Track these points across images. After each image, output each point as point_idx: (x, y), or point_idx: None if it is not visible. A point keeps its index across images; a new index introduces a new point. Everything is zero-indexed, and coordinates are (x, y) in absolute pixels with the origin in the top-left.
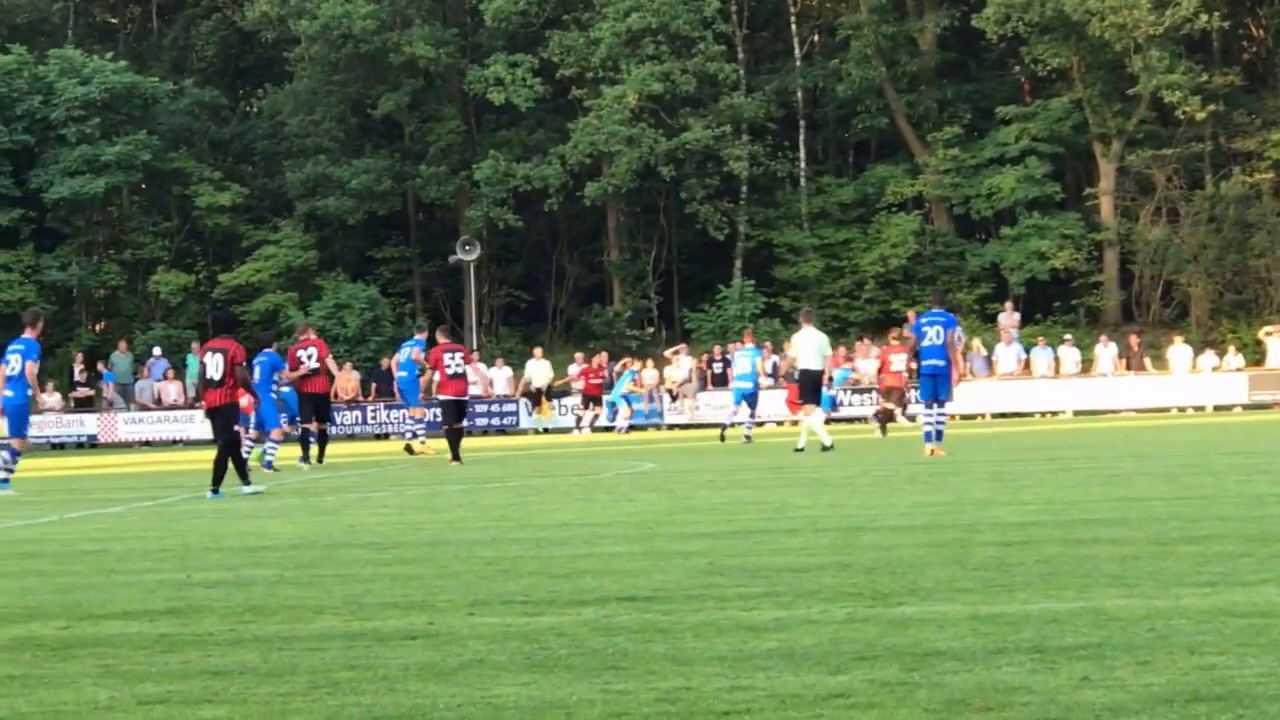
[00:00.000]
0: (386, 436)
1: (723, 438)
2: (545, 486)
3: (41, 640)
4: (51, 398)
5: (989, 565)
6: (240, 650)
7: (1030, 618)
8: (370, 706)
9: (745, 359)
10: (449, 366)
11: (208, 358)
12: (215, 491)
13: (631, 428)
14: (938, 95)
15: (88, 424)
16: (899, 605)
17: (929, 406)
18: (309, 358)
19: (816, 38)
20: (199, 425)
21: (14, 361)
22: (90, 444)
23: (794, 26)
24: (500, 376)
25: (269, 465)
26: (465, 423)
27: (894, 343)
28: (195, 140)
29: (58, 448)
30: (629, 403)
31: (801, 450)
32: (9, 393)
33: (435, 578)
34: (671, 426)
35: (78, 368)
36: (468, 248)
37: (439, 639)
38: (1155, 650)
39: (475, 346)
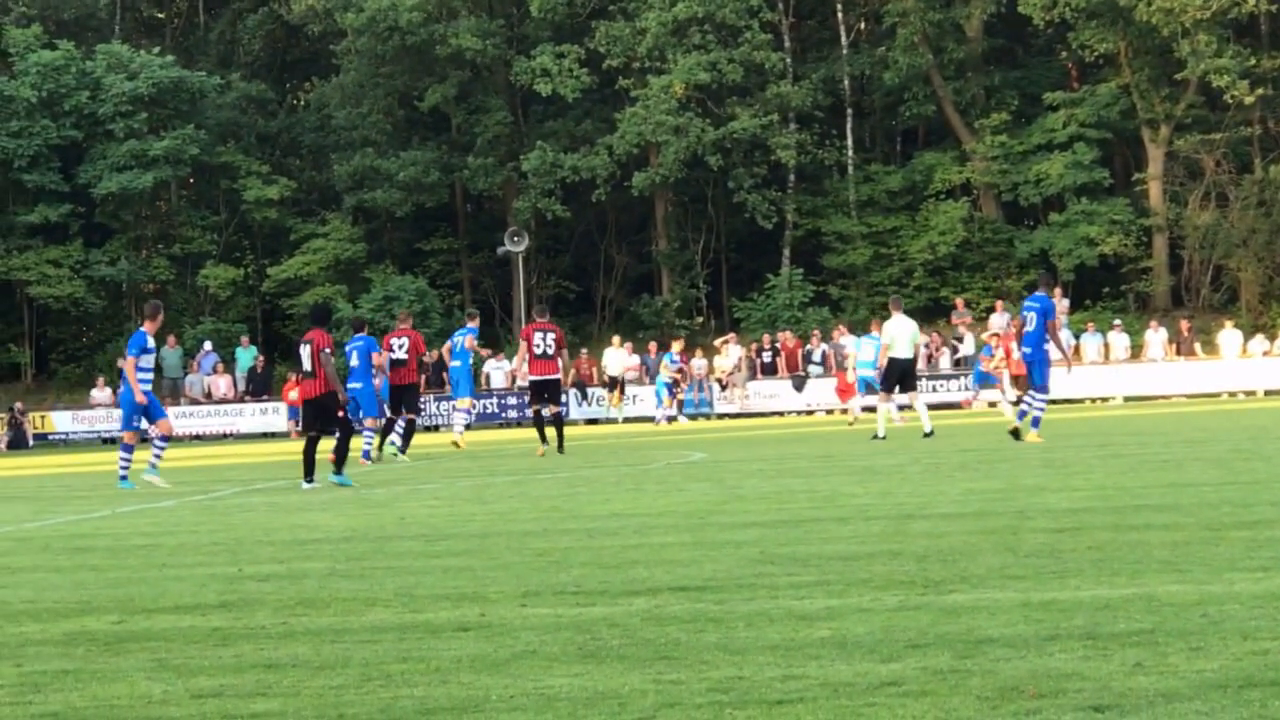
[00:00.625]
0: (437, 429)
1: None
2: (595, 477)
3: (95, 635)
4: (102, 393)
5: (1040, 552)
6: (293, 643)
7: (1082, 604)
8: (423, 698)
9: (869, 346)
10: (538, 346)
11: (302, 350)
12: (309, 480)
13: (672, 419)
14: (985, 82)
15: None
16: (950, 593)
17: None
18: (400, 348)
19: (863, 25)
20: (249, 418)
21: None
22: (142, 438)
23: (840, 14)
24: None
25: (366, 455)
26: (560, 407)
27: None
28: (243, 134)
29: (109, 442)
30: (670, 393)
31: (882, 438)
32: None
33: (487, 569)
34: (721, 416)
35: None
36: (516, 239)
37: (491, 630)
38: (1208, 636)
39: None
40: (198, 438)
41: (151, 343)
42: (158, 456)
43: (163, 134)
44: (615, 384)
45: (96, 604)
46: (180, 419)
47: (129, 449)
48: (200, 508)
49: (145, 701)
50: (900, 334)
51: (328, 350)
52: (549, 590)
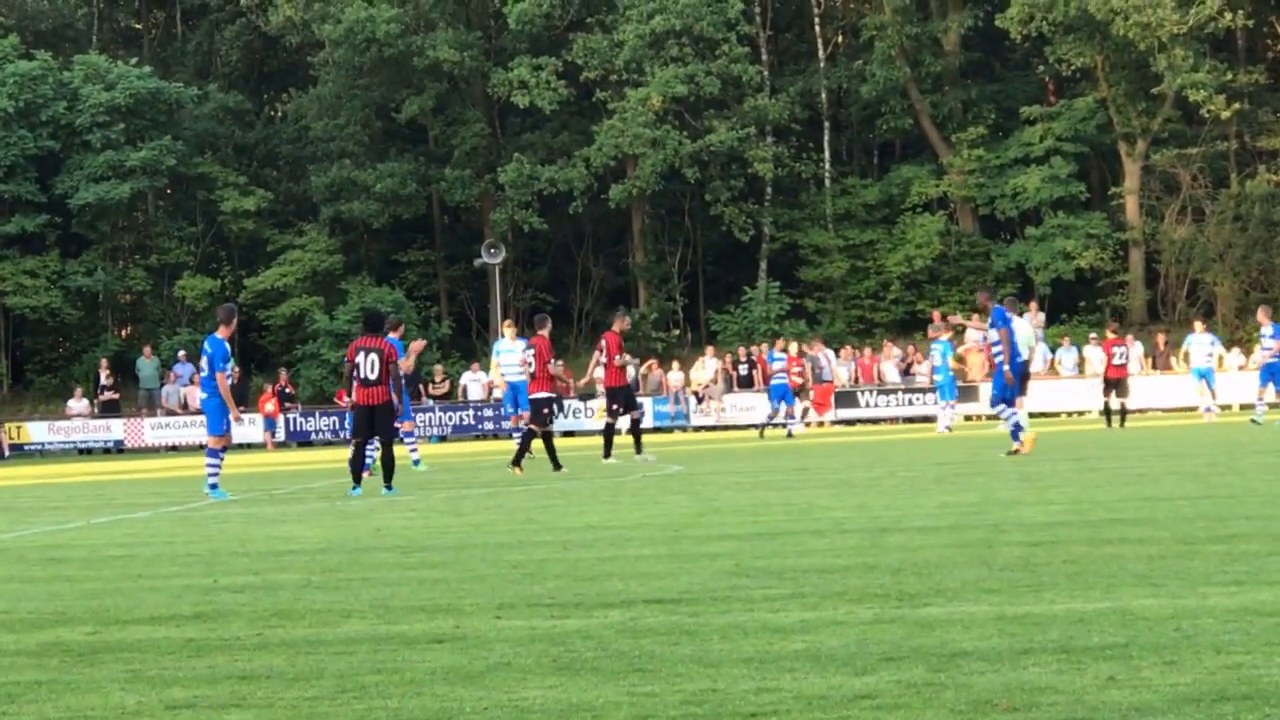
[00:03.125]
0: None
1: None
2: (571, 489)
3: (69, 645)
4: (79, 403)
5: (1015, 565)
6: (267, 654)
7: (1056, 618)
8: (397, 710)
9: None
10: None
11: (360, 357)
12: (355, 487)
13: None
14: (962, 95)
15: (114, 429)
16: (925, 606)
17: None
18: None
19: (840, 39)
20: None
21: (204, 364)
22: (117, 449)
23: (817, 28)
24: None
25: (416, 463)
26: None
27: (1111, 335)
28: (220, 145)
29: (84, 453)
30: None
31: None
32: (203, 394)
33: (462, 581)
34: (698, 428)
35: (103, 373)
36: (493, 251)
37: (465, 642)
38: (1181, 650)
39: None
40: (174, 449)
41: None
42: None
43: (140, 145)
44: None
45: (71, 615)
46: (156, 430)
47: (217, 454)
48: (176, 519)
49: (119, 712)
50: (1017, 336)
51: (395, 362)
52: (524, 602)
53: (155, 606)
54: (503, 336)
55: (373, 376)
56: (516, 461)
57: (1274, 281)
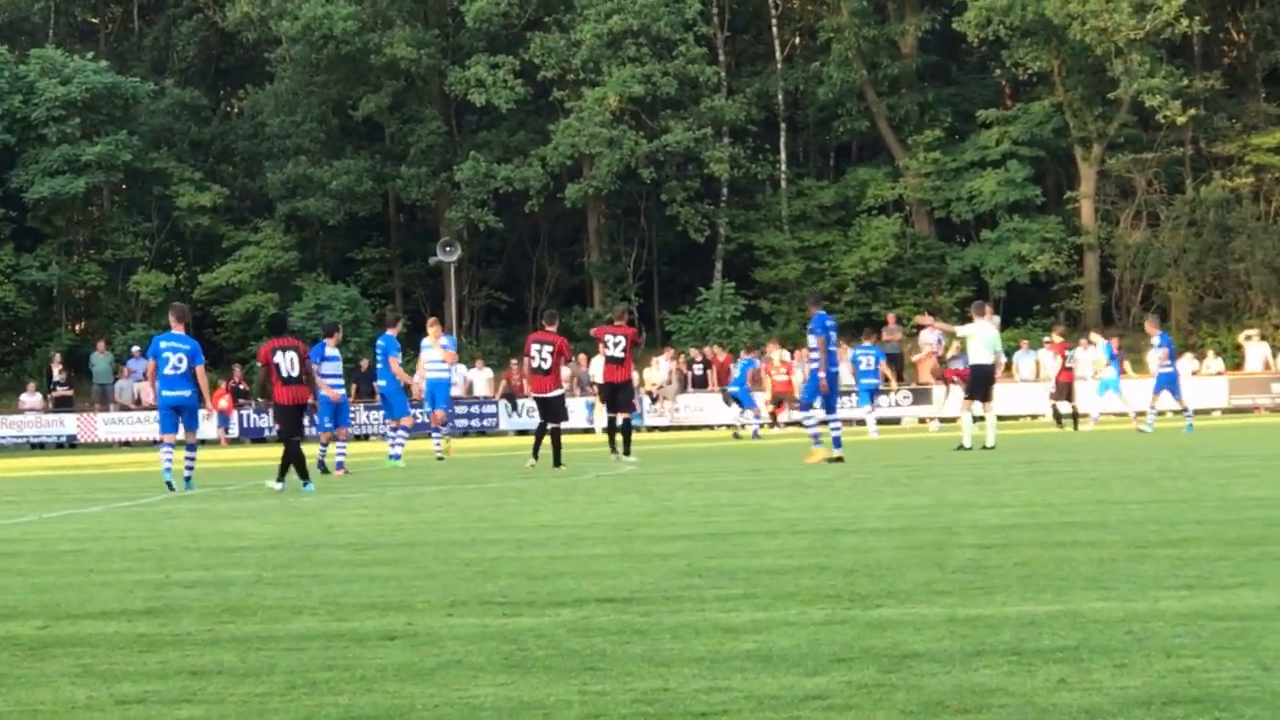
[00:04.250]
0: (366, 438)
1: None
2: (525, 488)
3: (19, 640)
4: (32, 398)
5: (967, 568)
6: (218, 650)
7: (1008, 620)
8: (348, 706)
9: (868, 357)
10: (534, 359)
11: (279, 356)
12: (557, 464)
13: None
14: (918, 98)
15: (67, 424)
16: (877, 607)
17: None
18: (615, 347)
19: (797, 40)
20: None
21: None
22: (70, 444)
23: (775, 29)
24: (480, 378)
25: (396, 457)
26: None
27: (1058, 339)
28: (176, 140)
29: (37, 447)
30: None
31: (967, 448)
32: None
33: (413, 578)
34: (651, 429)
35: (56, 368)
36: (448, 249)
37: (417, 639)
38: (1132, 653)
39: (455, 348)
40: (127, 444)
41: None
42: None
43: (95, 139)
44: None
45: (22, 609)
46: (110, 425)
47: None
48: (128, 514)
49: (69, 707)
50: (980, 339)
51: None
52: (475, 600)
53: (106, 601)
54: (427, 334)
55: (295, 374)
56: (556, 461)
57: (1227, 287)
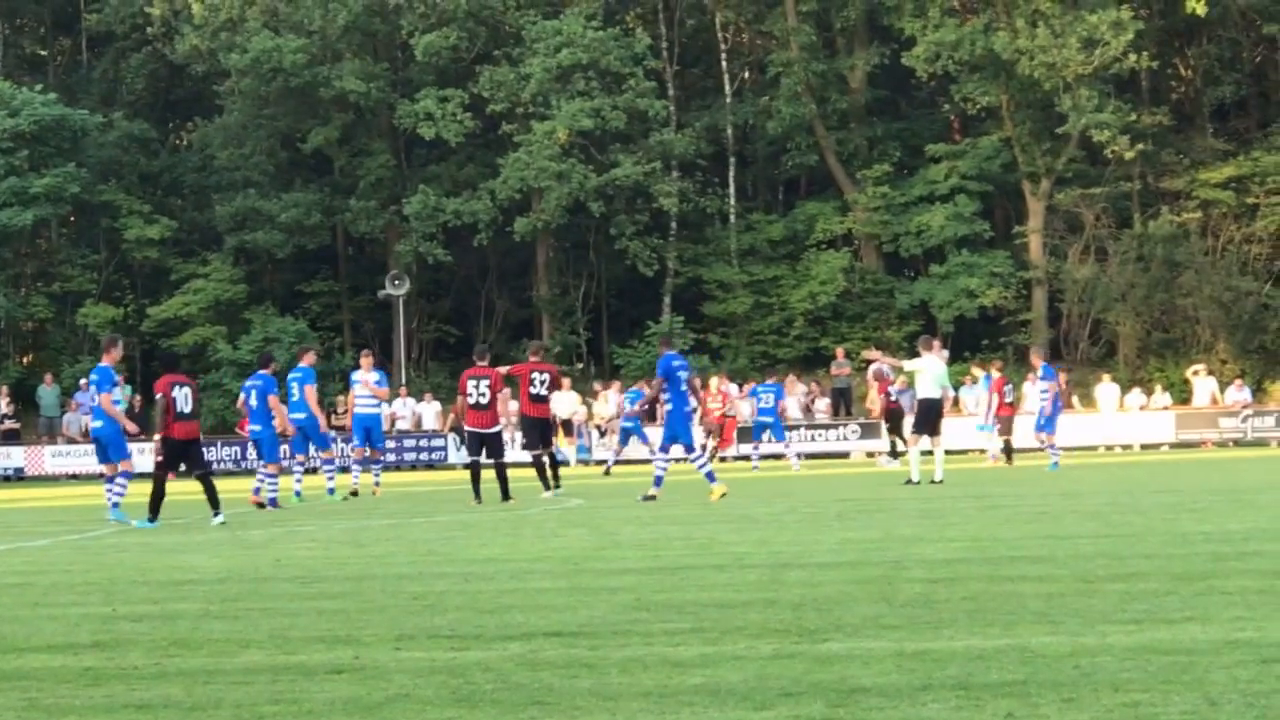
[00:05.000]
0: (315, 470)
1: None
2: (473, 521)
3: None
4: None
5: (915, 602)
6: (165, 684)
7: (956, 654)
8: None
9: (767, 395)
10: (470, 395)
11: (176, 391)
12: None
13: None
14: (867, 133)
15: (14, 456)
16: (825, 642)
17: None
18: (541, 385)
19: (747, 75)
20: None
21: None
22: (17, 477)
23: (724, 63)
24: (429, 411)
25: (331, 492)
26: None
27: (997, 374)
28: (124, 173)
29: None
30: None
31: (915, 483)
32: (97, 422)
33: (361, 612)
34: (600, 462)
35: (3, 401)
36: (397, 282)
37: (364, 673)
38: (1080, 687)
39: (404, 381)
40: (74, 477)
41: (117, 376)
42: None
43: (43, 171)
44: (565, 426)
45: None
46: (57, 458)
47: (126, 476)
48: (75, 547)
49: None
50: (928, 373)
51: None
52: (423, 634)
53: (53, 635)
54: (358, 368)
55: (189, 410)
56: (547, 484)
57: (1175, 322)
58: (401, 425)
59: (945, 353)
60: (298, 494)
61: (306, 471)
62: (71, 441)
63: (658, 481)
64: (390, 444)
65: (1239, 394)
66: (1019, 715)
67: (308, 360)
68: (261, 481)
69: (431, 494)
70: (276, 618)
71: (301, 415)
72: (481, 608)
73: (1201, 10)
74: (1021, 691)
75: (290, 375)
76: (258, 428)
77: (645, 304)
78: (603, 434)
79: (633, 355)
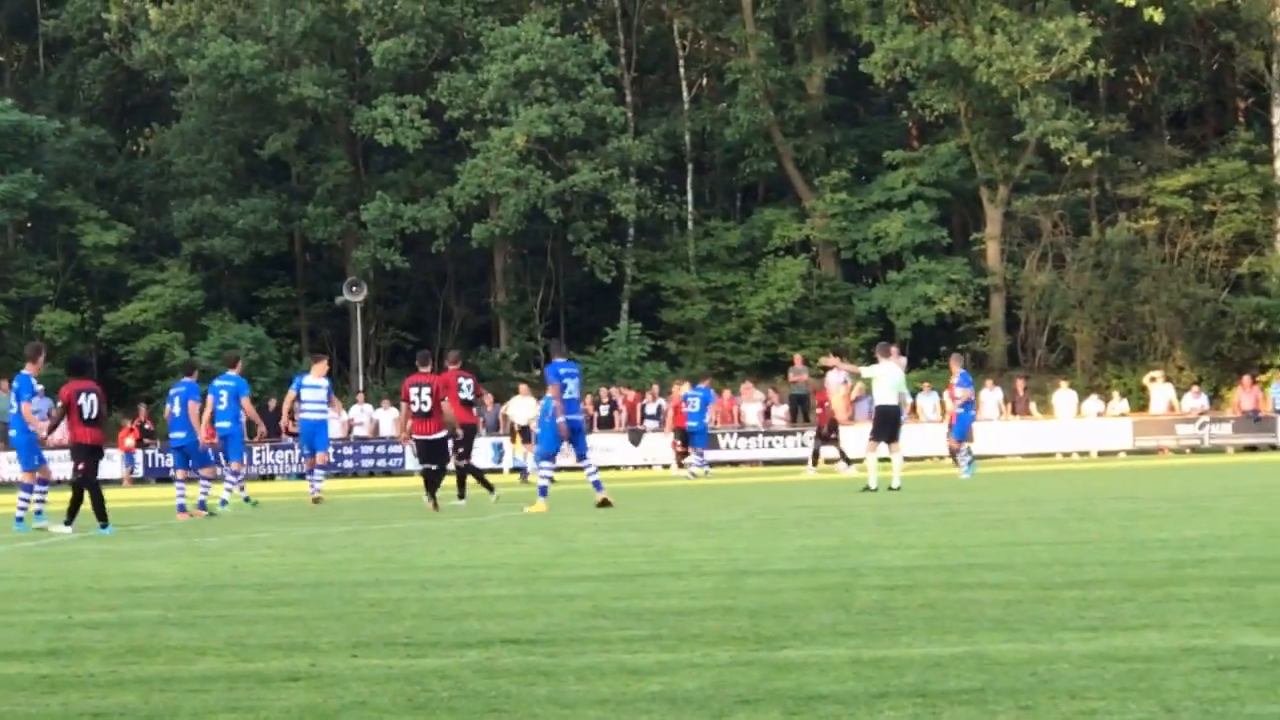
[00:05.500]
0: (272, 477)
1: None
2: (430, 529)
3: None
4: None
5: (872, 609)
6: (121, 691)
7: (913, 662)
8: None
9: (695, 400)
10: (413, 402)
11: (82, 399)
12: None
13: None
14: (825, 139)
15: None
16: (782, 649)
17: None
18: (469, 390)
19: (705, 81)
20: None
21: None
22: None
23: (682, 70)
24: (386, 418)
25: (224, 504)
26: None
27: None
28: (81, 179)
29: None
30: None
31: (873, 490)
32: (13, 430)
33: (318, 619)
34: (558, 469)
35: None
36: (354, 289)
37: (321, 681)
38: (1037, 695)
39: (361, 388)
40: None
41: (37, 385)
42: (41, 501)
43: (0, 177)
44: (523, 433)
45: None
46: (13, 465)
47: (29, 489)
48: (31, 554)
49: None
50: (886, 380)
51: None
52: (380, 641)
53: (8, 642)
54: (308, 372)
55: (94, 416)
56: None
57: (1132, 329)
58: (359, 432)
59: (903, 359)
60: (224, 503)
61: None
62: None
63: (598, 486)
64: (348, 450)
65: (1196, 401)
66: None
67: (237, 369)
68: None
69: (389, 501)
70: (234, 625)
71: (226, 424)
72: (439, 615)
73: (1159, 18)
74: (979, 699)
75: (216, 383)
76: (181, 434)
77: (603, 311)
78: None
79: (590, 362)
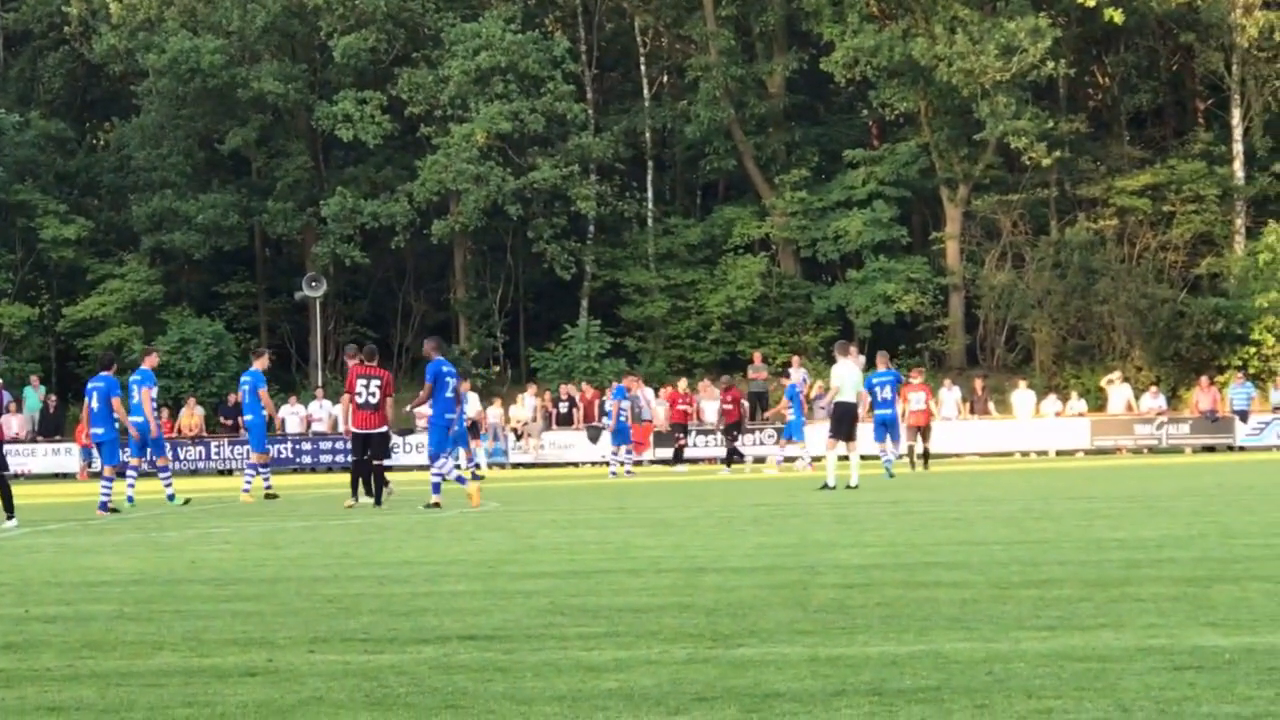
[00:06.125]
0: (230, 472)
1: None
2: (388, 524)
3: None
4: None
5: (829, 607)
6: (78, 686)
7: (870, 660)
8: None
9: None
10: (360, 395)
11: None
12: (357, 499)
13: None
14: (786, 138)
15: None
16: (739, 647)
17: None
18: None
19: (666, 79)
20: (41, 459)
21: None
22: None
23: (643, 67)
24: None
25: (171, 498)
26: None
27: (915, 381)
28: (41, 173)
29: None
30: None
31: (831, 488)
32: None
33: (276, 614)
34: (516, 465)
35: None
36: (314, 284)
37: (278, 676)
38: (993, 693)
39: (320, 384)
40: None
41: None
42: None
43: None
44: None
45: None
46: None
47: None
48: None
49: None
50: (848, 379)
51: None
52: (337, 637)
53: None
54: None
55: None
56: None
57: (1091, 329)
58: (318, 427)
59: (861, 358)
60: (130, 499)
61: (141, 476)
62: None
63: (435, 489)
64: (306, 446)
65: (1154, 401)
66: None
67: (150, 363)
68: (107, 486)
69: (347, 497)
70: (190, 620)
71: (139, 419)
72: (396, 611)
73: (1119, 18)
74: (935, 697)
75: (130, 378)
76: (100, 430)
77: (563, 307)
78: (519, 437)
79: (550, 359)
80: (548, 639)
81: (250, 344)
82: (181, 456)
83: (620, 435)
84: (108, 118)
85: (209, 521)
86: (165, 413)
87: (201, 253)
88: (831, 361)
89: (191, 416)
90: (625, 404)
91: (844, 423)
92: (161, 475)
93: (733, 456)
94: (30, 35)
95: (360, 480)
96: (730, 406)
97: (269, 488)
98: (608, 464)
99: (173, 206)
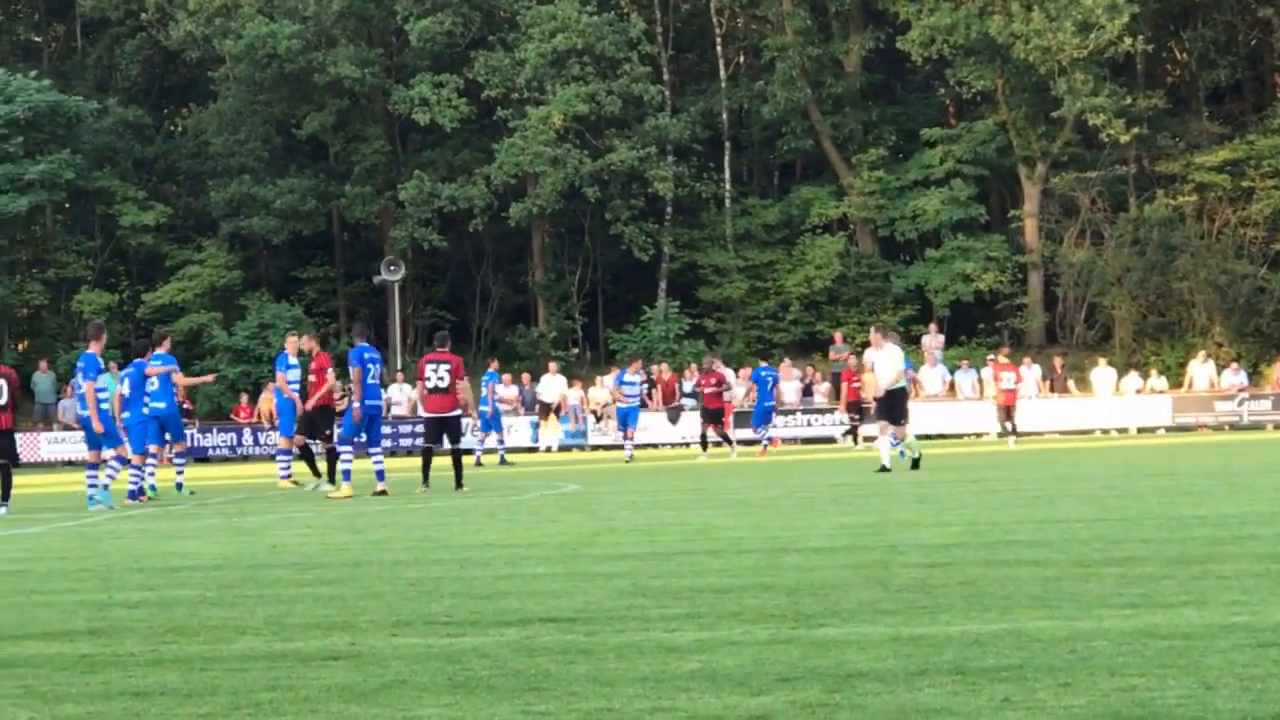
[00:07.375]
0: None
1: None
2: (468, 507)
3: None
4: None
5: (911, 587)
6: (161, 671)
7: (952, 639)
8: None
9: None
10: (429, 379)
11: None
12: (459, 486)
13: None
14: (863, 117)
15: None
16: (821, 627)
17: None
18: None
19: (742, 59)
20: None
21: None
22: (13, 463)
23: (719, 48)
24: None
25: (180, 487)
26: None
27: (1004, 360)
28: (119, 159)
29: None
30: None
31: (889, 469)
32: (83, 410)
33: (357, 598)
34: (596, 447)
35: None
36: (392, 268)
37: (361, 660)
38: (1076, 672)
39: (400, 367)
40: (70, 463)
41: (103, 364)
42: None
43: (39, 157)
44: (548, 410)
45: None
46: (53, 445)
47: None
48: (71, 534)
49: None
50: (891, 364)
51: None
52: (419, 620)
53: (48, 622)
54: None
55: (3, 401)
56: (459, 484)
57: (1170, 305)
58: (398, 411)
59: (941, 338)
60: (153, 488)
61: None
62: (67, 428)
63: (380, 475)
64: (386, 430)
65: (1235, 377)
66: (1015, 700)
67: (94, 347)
68: (136, 473)
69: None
70: (273, 604)
71: (162, 404)
72: (477, 594)
73: None
74: (1018, 676)
75: (149, 360)
76: (127, 415)
77: (641, 289)
78: (598, 419)
79: (628, 340)
80: (629, 621)
81: (329, 329)
82: (262, 441)
83: (494, 423)
84: (185, 104)
85: (290, 506)
86: (244, 398)
87: (280, 238)
88: (913, 341)
89: (270, 401)
90: (499, 387)
91: (893, 406)
92: (177, 461)
93: (705, 440)
94: (108, 23)
95: (428, 464)
96: (711, 390)
97: (286, 475)
98: (630, 448)
99: (251, 192)
